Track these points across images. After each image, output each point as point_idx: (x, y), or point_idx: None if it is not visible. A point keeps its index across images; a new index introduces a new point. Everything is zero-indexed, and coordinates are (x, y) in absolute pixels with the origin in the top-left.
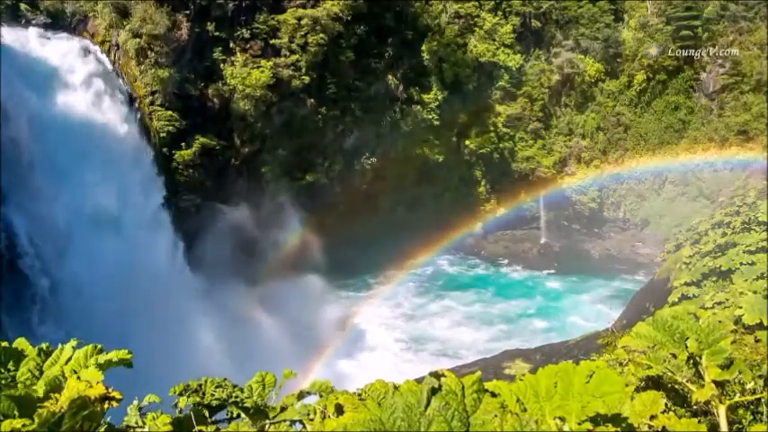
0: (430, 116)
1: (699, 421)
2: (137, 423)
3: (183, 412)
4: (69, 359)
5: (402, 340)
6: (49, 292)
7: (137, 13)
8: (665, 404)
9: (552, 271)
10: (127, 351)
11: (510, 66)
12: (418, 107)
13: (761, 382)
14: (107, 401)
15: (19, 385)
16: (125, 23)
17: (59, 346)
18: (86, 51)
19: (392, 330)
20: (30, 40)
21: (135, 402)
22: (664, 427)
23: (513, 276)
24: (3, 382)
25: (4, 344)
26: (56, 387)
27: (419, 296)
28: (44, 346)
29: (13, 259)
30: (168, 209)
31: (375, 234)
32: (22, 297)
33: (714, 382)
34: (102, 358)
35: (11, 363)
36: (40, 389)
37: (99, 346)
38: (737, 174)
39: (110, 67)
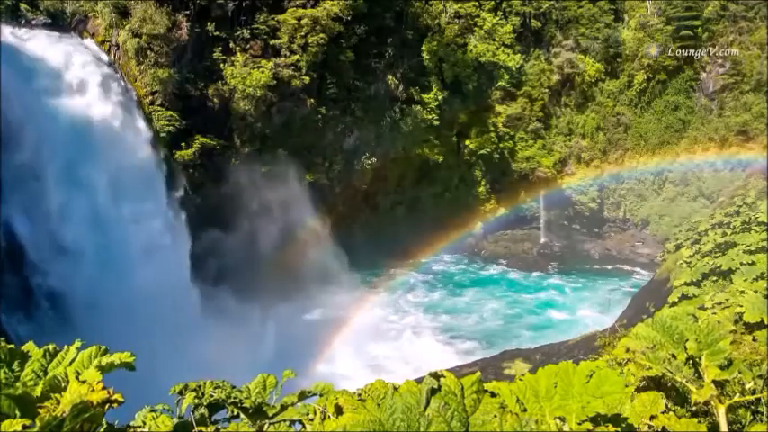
0: (430, 116)
1: (699, 421)
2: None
3: (184, 414)
4: (73, 360)
5: (443, 330)
6: (52, 295)
7: (137, 13)
8: (665, 404)
9: (552, 270)
10: (129, 354)
11: (510, 66)
12: (418, 107)
13: (760, 382)
14: (108, 404)
15: (18, 384)
16: (125, 23)
17: (65, 347)
18: (89, 52)
19: (431, 322)
20: (31, 40)
21: (146, 408)
22: (664, 427)
23: (514, 276)
24: (5, 382)
25: (11, 346)
26: (56, 387)
27: (427, 294)
28: (51, 347)
29: (13, 261)
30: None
31: (375, 234)
32: (25, 301)
33: (714, 382)
34: (105, 360)
35: (16, 363)
36: (38, 390)
37: (104, 348)
38: (737, 174)
39: (113, 67)
